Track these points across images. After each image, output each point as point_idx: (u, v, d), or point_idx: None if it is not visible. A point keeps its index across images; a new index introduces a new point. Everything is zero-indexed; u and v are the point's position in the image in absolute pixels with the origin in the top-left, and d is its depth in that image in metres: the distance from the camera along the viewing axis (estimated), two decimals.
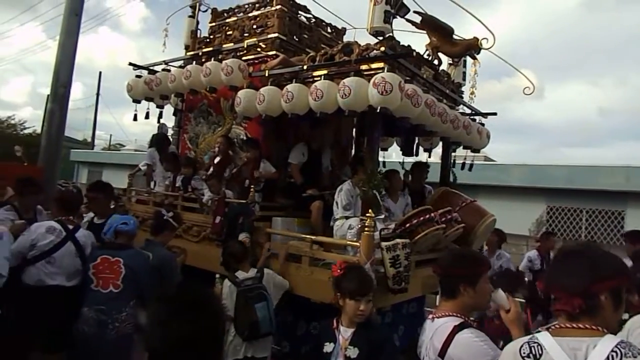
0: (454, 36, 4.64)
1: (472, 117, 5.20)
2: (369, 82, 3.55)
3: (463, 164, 5.32)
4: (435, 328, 1.92)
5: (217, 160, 4.99)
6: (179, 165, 5.47)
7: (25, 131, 29.16)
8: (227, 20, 5.61)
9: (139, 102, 5.82)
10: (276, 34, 4.97)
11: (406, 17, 4.32)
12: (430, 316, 2.03)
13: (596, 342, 1.31)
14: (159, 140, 6.16)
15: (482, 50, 4.58)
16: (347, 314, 2.54)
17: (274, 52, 4.87)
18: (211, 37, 5.74)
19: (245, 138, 5.08)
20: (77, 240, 3.42)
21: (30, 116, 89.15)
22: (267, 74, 4.37)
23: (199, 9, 6.16)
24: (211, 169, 4.93)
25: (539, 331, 1.46)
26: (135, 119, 6.02)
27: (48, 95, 8.01)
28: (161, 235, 3.78)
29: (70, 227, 3.47)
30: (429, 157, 5.86)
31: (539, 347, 1.37)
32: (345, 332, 2.51)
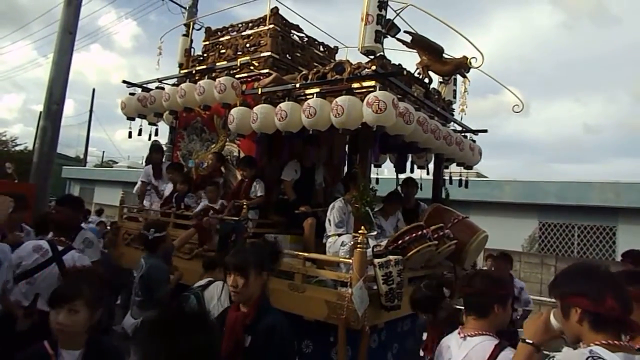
0: (444, 55, 4.71)
1: (463, 134, 5.26)
2: (361, 100, 3.59)
3: (460, 181, 5.36)
4: (471, 346, 1.97)
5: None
6: (183, 175, 5.44)
7: (17, 148, 29.07)
8: (221, 39, 5.67)
9: (132, 119, 5.83)
10: (269, 53, 5.03)
11: (397, 36, 4.40)
12: (461, 334, 2.06)
13: None
14: (152, 149, 6.14)
15: (471, 69, 4.65)
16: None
17: (266, 70, 4.92)
18: (205, 55, 5.79)
19: (238, 155, 5.09)
20: (62, 262, 3.20)
21: (22, 133, 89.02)
22: (260, 92, 4.40)
23: (193, 28, 6.23)
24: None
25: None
26: (130, 136, 6.02)
27: (40, 112, 8.01)
28: (158, 251, 3.78)
29: (60, 248, 3.26)
30: (427, 173, 5.87)
31: None
32: (68, 357, 1.94)
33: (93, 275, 2.22)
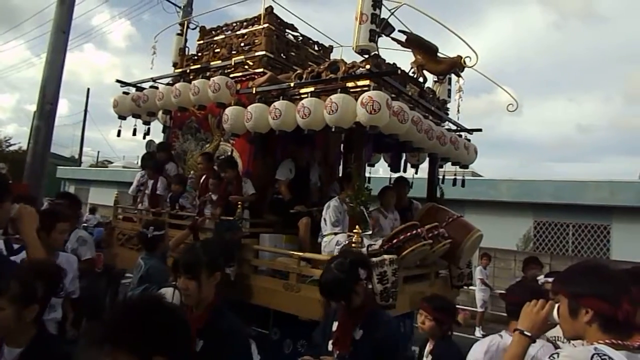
0: (439, 54, 4.72)
1: (457, 133, 5.27)
2: (355, 99, 3.59)
3: (454, 180, 5.35)
4: (533, 354, 1.99)
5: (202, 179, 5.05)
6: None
7: (11, 148, 28.95)
8: (215, 38, 5.66)
9: (124, 118, 5.82)
10: (263, 52, 5.02)
11: (391, 35, 4.40)
12: None
13: None
14: (158, 148, 6.15)
15: (465, 68, 4.65)
16: None
17: (261, 70, 4.91)
18: (199, 54, 5.78)
19: (225, 157, 5.04)
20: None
21: (15, 133, 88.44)
22: (254, 91, 4.39)
23: (188, 27, 6.21)
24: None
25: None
26: (118, 134, 6.03)
27: (34, 112, 7.96)
28: (156, 250, 3.76)
29: (17, 246, 2.92)
30: (416, 173, 5.88)
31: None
32: (9, 354, 1.85)
33: (30, 270, 2.01)
